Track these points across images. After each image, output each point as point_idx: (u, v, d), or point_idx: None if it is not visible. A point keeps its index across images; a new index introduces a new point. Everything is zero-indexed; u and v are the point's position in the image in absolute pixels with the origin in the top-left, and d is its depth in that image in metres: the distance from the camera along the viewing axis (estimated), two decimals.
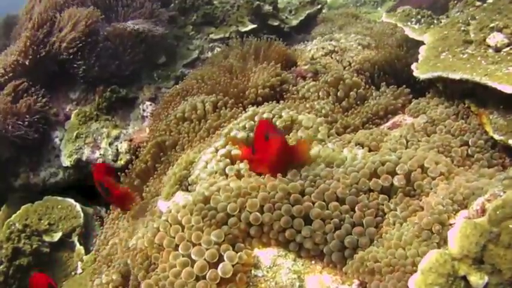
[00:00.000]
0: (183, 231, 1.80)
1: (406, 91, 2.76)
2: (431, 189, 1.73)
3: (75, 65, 3.86)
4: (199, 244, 1.73)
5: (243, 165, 2.19)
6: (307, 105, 2.59)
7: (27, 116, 3.79)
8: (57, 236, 3.44)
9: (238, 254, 1.71)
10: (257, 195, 1.79)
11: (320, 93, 2.82)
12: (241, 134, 2.30)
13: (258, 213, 1.76)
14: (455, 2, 3.45)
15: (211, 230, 1.77)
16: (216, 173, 2.18)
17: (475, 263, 1.27)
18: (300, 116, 2.43)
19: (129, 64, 4.00)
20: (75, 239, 3.45)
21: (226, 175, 2.14)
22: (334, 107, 2.71)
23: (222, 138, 2.37)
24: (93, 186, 3.85)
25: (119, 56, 3.96)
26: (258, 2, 4.37)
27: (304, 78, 3.03)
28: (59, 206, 3.62)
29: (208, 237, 1.74)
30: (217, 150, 2.30)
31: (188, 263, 1.70)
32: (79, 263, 3.30)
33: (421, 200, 1.73)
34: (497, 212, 1.30)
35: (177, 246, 1.76)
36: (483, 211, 1.44)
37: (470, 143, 2.19)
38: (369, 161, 1.87)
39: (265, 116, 2.33)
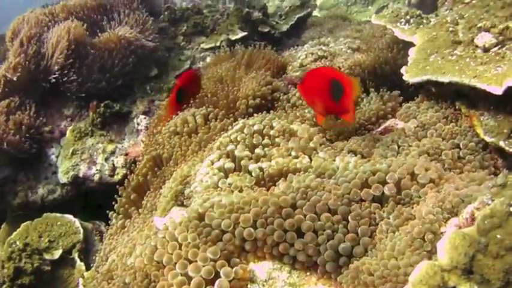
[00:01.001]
0: (180, 248, 1.81)
1: (396, 93, 2.73)
2: (420, 197, 1.74)
3: (65, 81, 3.87)
4: (196, 261, 1.74)
5: (237, 178, 2.19)
6: (298, 114, 2.58)
7: (20, 131, 3.81)
8: (57, 254, 3.44)
9: (234, 269, 1.72)
10: (250, 210, 1.80)
11: None
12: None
13: (251, 229, 1.77)
14: None
15: (207, 246, 1.78)
16: (210, 187, 2.19)
17: (465, 273, 1.28)
18: (294, 126, 2.42)
19: (119, 76, 3.99)
20: (75, 255, 3.46)
21: (221, 189, 2.16)
22: None
23: (216, 151, 2.38)
24: (90, 201, 3.90)
25: (107, 68, 3.95)
26: (247, 9, 4.36)
27: (295, 85, 3.02)
28: (59, 223, 3.62)
29: (205, 254, 1.75)
30: (212, 164, 2.31)
31: (185, 282, 1.71)
32: (80, 279, 3.30)
33: (412, 208, 1.73)
34: (485, 222, 1.30)
35: (175, 264, 1.78)
36: (472, 219, 1.44)
37: (461, 146, 2.18)
38: (360, 170, 1.87)
39: (255, 128, 2.33)
